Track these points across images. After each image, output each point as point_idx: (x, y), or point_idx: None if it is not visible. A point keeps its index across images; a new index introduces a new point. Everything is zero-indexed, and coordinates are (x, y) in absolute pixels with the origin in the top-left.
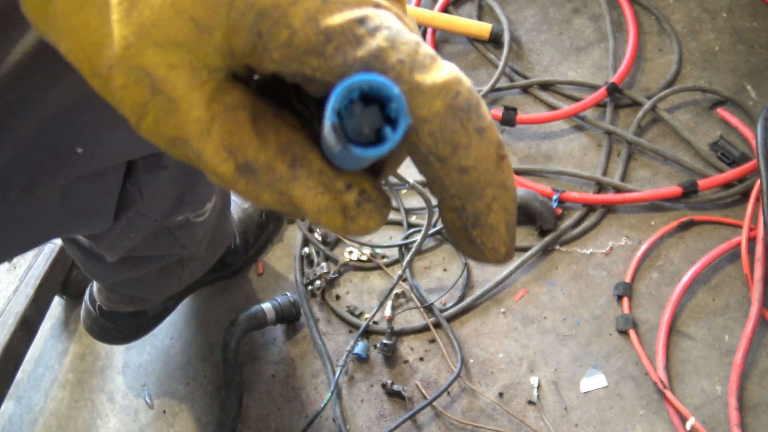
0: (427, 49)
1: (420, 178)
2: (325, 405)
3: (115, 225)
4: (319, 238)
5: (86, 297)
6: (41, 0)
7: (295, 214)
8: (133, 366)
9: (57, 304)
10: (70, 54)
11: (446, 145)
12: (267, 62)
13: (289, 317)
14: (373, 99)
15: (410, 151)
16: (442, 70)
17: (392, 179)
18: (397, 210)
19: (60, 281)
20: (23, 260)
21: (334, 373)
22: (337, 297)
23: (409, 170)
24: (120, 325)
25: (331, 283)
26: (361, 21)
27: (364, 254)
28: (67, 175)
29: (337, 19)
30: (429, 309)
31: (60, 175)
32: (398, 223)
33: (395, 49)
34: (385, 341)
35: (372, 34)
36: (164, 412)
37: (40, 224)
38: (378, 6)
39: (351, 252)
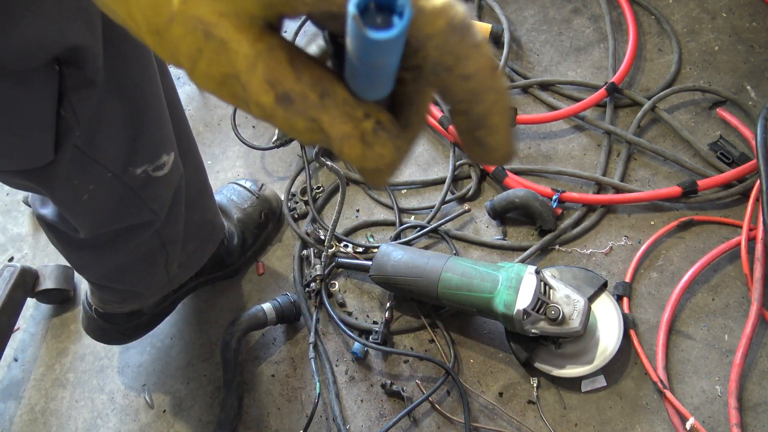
0: None
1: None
2: (318, 396)
3: (60, 162)
4: (320, 237)
5: (83, 299)
6: None
7: (323, 142)
8: (133, 366)
9: (57, 305)
10: (130, 18)
11: (449, 56)
12: (300, 5)
13: (290, 317)
14: (383, 9)
15: (424, 69)
16: None
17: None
18: (391, 209)
19: (22, 304)
20: None
21: (333, 372)
22: (331, 295)
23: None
24: (118, 325)
25: (327, 284)
26: None
27: (359, 247)
28: None
29: None
30: (428, 309)
31: None
32: (392, 224)
33: None
34: (377, 330)
35: None
36: (164, 411)
37: None
38: None
39: (346, 246)
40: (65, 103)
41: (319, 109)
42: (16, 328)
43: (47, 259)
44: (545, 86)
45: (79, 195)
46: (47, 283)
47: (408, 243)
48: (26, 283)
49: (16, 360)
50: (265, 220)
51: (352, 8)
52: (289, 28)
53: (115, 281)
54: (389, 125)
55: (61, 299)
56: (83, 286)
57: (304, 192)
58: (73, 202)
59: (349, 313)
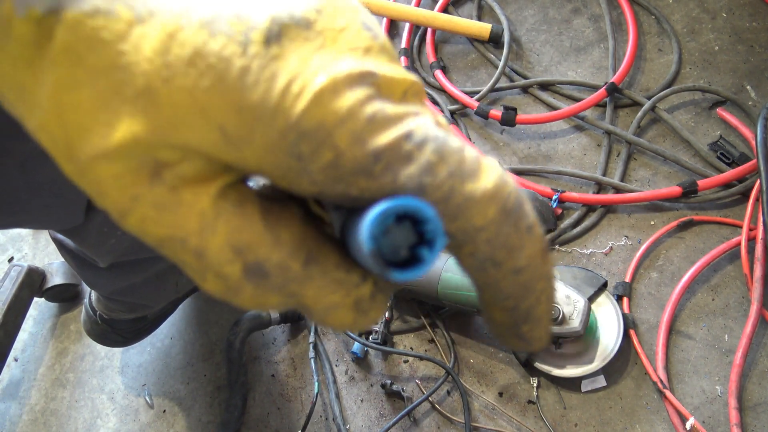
0: (470, 152)
1: None
2: (317, 396)
3: (92, 220)
4: None
5: (86, 302)
6: (25, 61)
7: (298, 310)
8: (133, 366)
9: (57, 305)
10: (44, 130)
11: (502, 250)
12: (306, 184)
13: (293, 317)
14: (405, 216)
15: (463, 260)
16: (490, 174)
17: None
18: None
19: (29, 304)
20: None
21: (333, 372)
22: None
23: None
24: (120, 329)
25: None
26: (408, 136)
27: None
28: (27, 143)
29: (384, 137)
30: (428, 309)
31: (20, 140)
32: None
33: (444, 162)
34: (377, 329)
35: (420, 148)
36: (164, 411)
37: (1, 194)
38: (417, 114)
39: None
40: None
41: (303, 281)
42: None
43: (47, 259)
44: (545, 86)
45: (106, 240)
46: (55, 279)
47: None
48: (33, 282)
49: (16, 360)
50: None
51: (368, 243)
52: None
53: (125, 296)
54: (384, 283)
55: (69, 295)
56: (86, 287)
57: None
58: (99, 245)
59: None
